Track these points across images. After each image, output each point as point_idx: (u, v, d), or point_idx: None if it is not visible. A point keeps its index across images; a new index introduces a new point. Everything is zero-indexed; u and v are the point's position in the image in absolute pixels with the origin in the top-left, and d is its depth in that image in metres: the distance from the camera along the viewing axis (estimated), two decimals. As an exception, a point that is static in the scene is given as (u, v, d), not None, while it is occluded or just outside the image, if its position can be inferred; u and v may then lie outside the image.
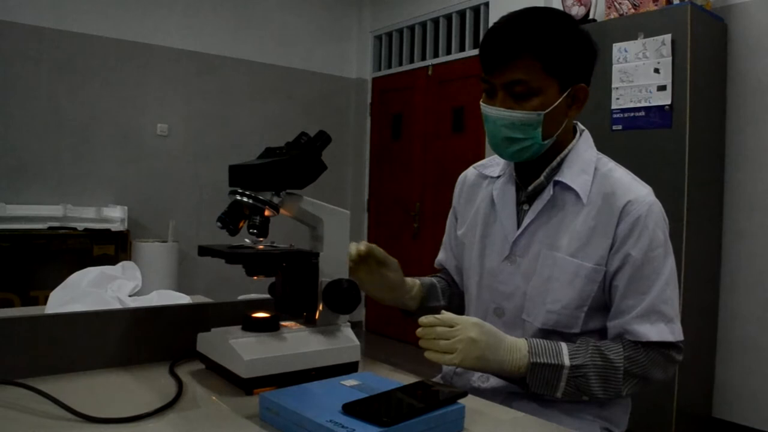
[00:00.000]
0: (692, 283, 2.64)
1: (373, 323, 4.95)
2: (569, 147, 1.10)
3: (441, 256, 1.34)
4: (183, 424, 0.77)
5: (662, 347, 1.02)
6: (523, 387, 1.01)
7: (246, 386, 0.87)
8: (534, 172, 1.10)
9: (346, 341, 0.97)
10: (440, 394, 0.77)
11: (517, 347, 0.98)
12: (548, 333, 1.06)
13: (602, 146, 2.94)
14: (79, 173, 3.80)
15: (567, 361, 0.98)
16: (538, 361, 0.97)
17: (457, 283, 1.31)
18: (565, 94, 1.02)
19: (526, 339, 1.00)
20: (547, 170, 1.09)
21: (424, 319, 0.96)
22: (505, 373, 0.99)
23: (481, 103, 1.07)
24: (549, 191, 1.07)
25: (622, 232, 1.02)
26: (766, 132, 2.77)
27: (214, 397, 0.87)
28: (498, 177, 1.17)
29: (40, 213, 3.48)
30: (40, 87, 3.67)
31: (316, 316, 0.99)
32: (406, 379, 0.96)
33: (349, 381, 0.83)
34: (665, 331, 1.00)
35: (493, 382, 1.10)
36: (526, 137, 1.02)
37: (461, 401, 0.77)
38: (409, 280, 1.20)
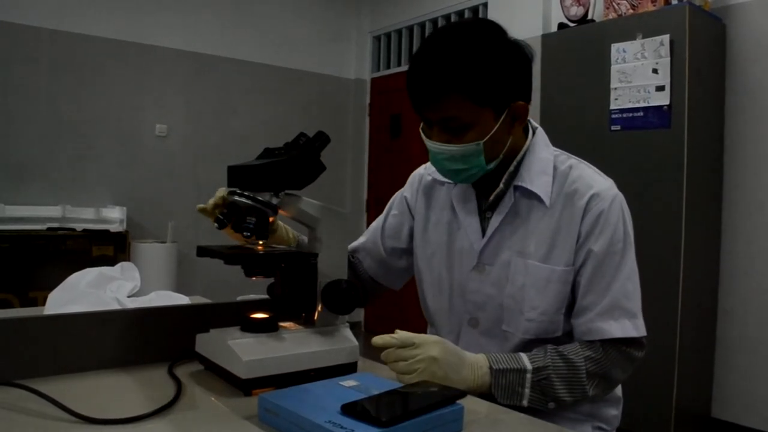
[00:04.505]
0: (691, 283, 2.65)
1: (372, 323, 4.95)
2: (524, 148, 1.08)
3: (361, 242, 1.29)
4: (182, 425, 0.77)
5: (622, 344, 1.02)
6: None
7: (245, 387, 0.87)
8: (492, 180, 1.07)
9: (345, 342, 0.97)
10: (439, 395, 0.77)
11: (478, 364, 0.97)
12: (531, 342, 1.05)
13: (601, 146, 2.95)
14: (78, 174, 3.80)
15: (528, 365, 0.98)
16: (501, 367, 0.97)
17: (366, 269, 1.28)
18: (502, 118, 1.00)
19: (485, 354, 0.99)
20: (505, 176, 1.06)
21: (377, 340, 0.92)
22: (469, 391, 0.95)
23: (420, 131, 1.05)
24: (510, 197, 1.06)
25: (585, 227, 1.02)
26: (765, 132, 2.77)
27: (213, 398, 0.87)
28: (455, 184, 1.14)
29: (39, 214, 3.48)
30: (39, 87, 3.67)
31: (315, 317, 0.99)
32: (405, 379, 0.96)
33: (348, 381, 0.82)
34: (629, 326, 1.00)
35: None
36: (469, 166, 1.01)
37: (460, 402, 0.77)
38: (285, 232, 1.16)
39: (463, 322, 1.12)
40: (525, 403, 0.97)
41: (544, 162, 1.06)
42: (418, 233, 1.21)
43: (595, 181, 1.05)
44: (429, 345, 0.92)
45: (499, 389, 0.97)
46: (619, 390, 1.15)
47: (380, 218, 1.29)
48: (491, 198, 1.08)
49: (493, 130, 1.00)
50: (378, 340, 0.93)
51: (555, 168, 1.07)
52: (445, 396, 0.76)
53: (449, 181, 1.14)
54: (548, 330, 1.04)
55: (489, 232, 1.07)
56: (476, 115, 0.98)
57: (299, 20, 4.72)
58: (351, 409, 0.70)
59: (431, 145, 1.02)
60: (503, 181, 1.07)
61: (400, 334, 0.93)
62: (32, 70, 3.64)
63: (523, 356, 0.99)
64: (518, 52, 1.01)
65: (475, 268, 1.09)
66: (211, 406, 0.84)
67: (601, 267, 1.01)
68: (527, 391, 0.97)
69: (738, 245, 2.85)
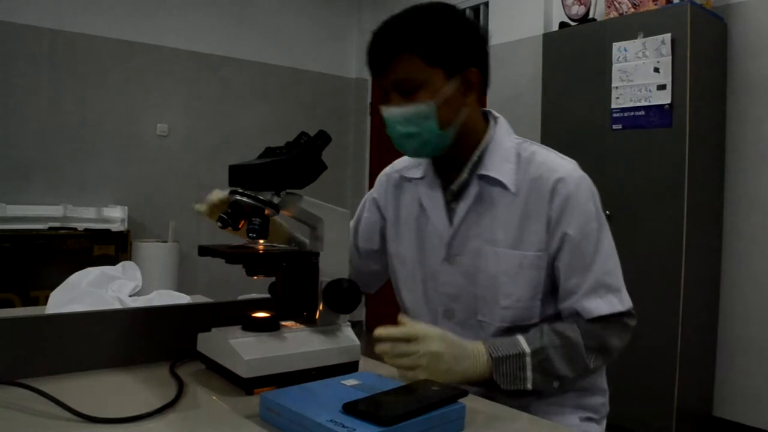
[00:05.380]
0: (692, 283, 2.64)
1: (373, 323, 4.95)
2: (486, 138, 1.09)
3: None
4: (183, 424, 0.77)
5: (615, 316, 1.03)
6: (493, 390, 0.99)
7: (246, 386, 0.87)
8: (455, 170, 1.09)
9: (347, 341, 0.97)
10: (441, 394, 0.76)
11: (479, 352, 0.97)
12: (508, 330, 1.05)
13: (602, 145, 2.95)
14: (79, 173, 3.80)
15: (527, 349, 0.98)
16: (500, 354, 0.97)
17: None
18: (453, 81, 1.02)
19: (483, 341, 0.99)
20: (468, 165, 1.08)
21: (381, 331, 0.93)
22: (470, 381, 0.96)
23: (380, 109, 1.07)
24: (474, 186, 1.07)
25: (555, 212, 1.02)
26: (766, 132, 2.77)
27: (214, 397, 0.87)
28: (422, 178, 1.15)
29: (40, 213, 3.48)
30: (40, 87, 3.67)
31: (317, 316, 0.99)
32: (407, 379, 0.96)
33: (350, 381, 0.83)
34: (615, 302, 1.01)
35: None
36: (421, 130, 1.02)
37: (462, 401, 0.77)
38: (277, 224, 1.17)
39: (438, 315, 1.13)
40: (529, 386, 0.98)
41: (507, 150, 1.07)
42: (390, 231, 1.22)
43: (559, 165, 1.05)
44: (430, 340, 0.93)
45: (501, 377, 0.97)
46: (603, 382, 1.14)
47: (353, 221, 1.30)
48: (454, 187, 1.09)
49: (444, 93, 1.01)
50: (382, 332, 0.93)
51: (518, 155, 1.07)
52: (446, 395, 0.76)
53: (416, 177, 1.16)
54: (524, 317, 1.05)
55: (456, 222, 1.08)
56: (427, 75, 1.00)
57: (300, 19, 4.72)
58: (352, 408, 0.70)
59: (385, 110, 1.04)
60: (467, 171, 1.08)
61: (402, 328, 0.93)
62: (33, 70, 3.64)
63: (521, 339, 0.99)
64: (471, 24, 1.05)
65: (446, 260, 1.10)
66: (212, 406, 0.84)
67: (579, 249, 1.02)
68: (529, 374, 0.97)
69: (740, 244, 2.85)
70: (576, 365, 1.00)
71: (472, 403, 0.85)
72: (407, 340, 0.93)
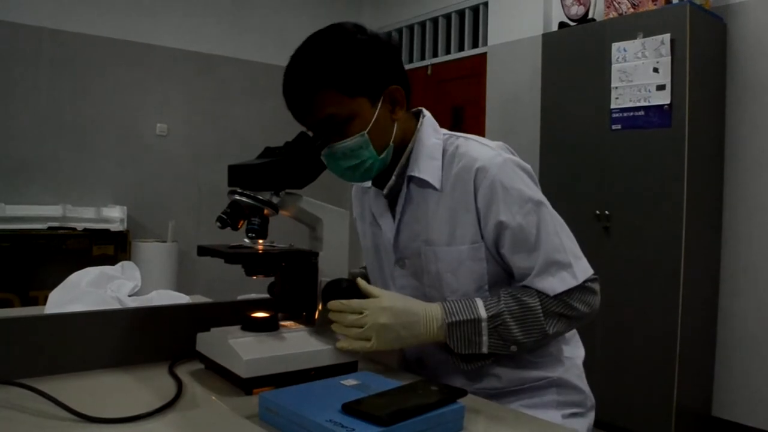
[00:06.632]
0: (692, 282, 2.65)
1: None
2: (414, 139, 1.08)
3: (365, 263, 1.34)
4: (183, 424, 0.77)
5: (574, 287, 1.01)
6: (449, 352, 1.00)
7: (245, 386, 0.87)
8: (388, 175, 1.09)
9: (346, 341, 0.97)
10: (440, 394, 0.77)
11: (432, 317, 0.97)
12: None
13: (601, 146, 2.96)
14: (78, 173, 3.80)
15: (483, 314, 0.97)
16: (454, 320, 0.96)
17: None
18: (379, 105, 1.01)
19: (440, 303, 0.99)
20: (397, 169, 1.08)
21: (333, 304, 0.94)
22: (425, 344, 0.98)
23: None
24: (405, 189, 1.07)
25: (482, 201, 1.00)
26: (766, 131, 2.77)
27: (213, 397, 0.87)
28: (370, 187, 1.16)
29: (39, 213, 3.48)
30: (40, 87, 3.67)
31: (316, 316, 0.99)
32: (406, 378, 0.96)
33: (349, 381, 0.83)
34: (567, 278, 0.99)
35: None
36: (362, 160, 1.02)
37: (461, 401, 0.77)
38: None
39: None
40: (484, 350, 0.97)
41: (432, 147, 1.07)
42: (361, 240, 1.23)
43: (479, 154, 1.03)
44: (377, 311, 0.93)
45: (456, 341, 0.97)
46: (583, 383, 1.13)
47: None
48: (385, 192, 1.09)
49: (374, 118, 1.01)
50: (333, 304, 0.94)
51: (445, 151, 1.06)
52: (445, 395, 0.76)
53: (367, 186, 1.16)
54: None
55: (395, 226, 1.09)
56: (352, 107, 0.99)
57: (299, 19, 4.72)
58: (352, 408, 0.70)
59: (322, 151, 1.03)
60: (395, 173, 1.08)
61: (353, 301, 0.94)
62: (33, 70, 3.64)
63: (479, 303, 0.99)
64: (377, 41, 1.03)
65: (397, 263, 1.11)
66: (211, 405, 0.84)
67: (520, 233, 1.00)
68: (485, 338, 0.97)
69: (739, 244, 2.85)
70: (532, 331, 0.98)
71: (471, 403, 0.85)
72: (359, 312, 0.93)
